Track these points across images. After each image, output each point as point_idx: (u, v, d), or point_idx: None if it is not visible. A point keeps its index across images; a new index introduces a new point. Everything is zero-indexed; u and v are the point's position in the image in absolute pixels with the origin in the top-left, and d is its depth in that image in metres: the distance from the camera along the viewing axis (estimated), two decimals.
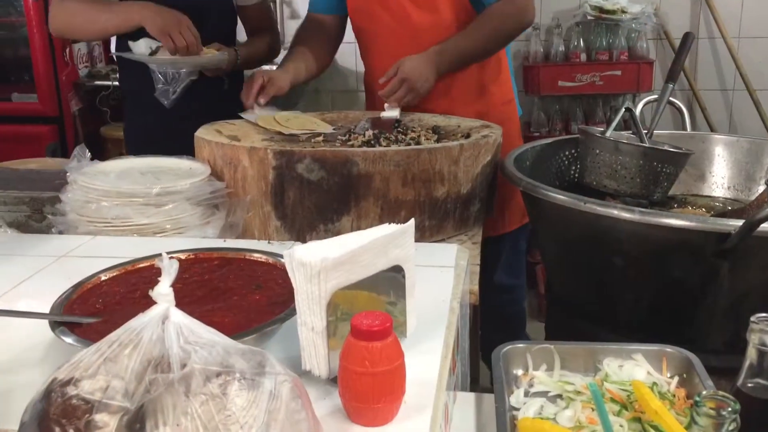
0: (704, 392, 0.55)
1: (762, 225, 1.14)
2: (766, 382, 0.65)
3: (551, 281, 1.67)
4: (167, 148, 1.52)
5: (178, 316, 0.69)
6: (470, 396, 1.00)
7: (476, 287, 1.31)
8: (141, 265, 0.97)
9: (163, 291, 0.69)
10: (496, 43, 1.85)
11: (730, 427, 0.52)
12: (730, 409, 0.53)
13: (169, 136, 1.57)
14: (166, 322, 0.68)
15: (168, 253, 1.01)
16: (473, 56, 1.83)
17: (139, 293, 0.89)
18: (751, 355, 0.66)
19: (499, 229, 1.92)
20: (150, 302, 0.69)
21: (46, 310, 0.89)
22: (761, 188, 1.65)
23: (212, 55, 1.86)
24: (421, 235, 1.46)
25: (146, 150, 1.56)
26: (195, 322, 0.69)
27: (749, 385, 0.66)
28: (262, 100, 1.77)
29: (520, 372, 1.01)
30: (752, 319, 0.66)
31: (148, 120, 2.01)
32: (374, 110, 1.94)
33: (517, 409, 0.92)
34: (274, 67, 2.00)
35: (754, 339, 0.65)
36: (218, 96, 1.96)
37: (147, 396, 0.63)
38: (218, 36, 1.95)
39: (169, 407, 0.63)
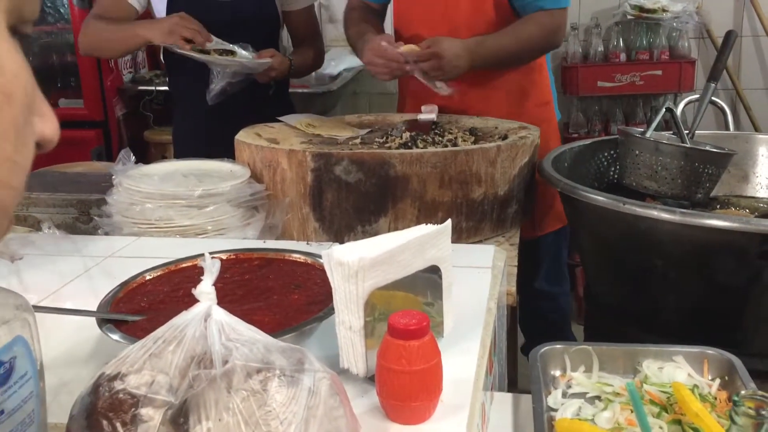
0: (743, 392, 0.54)
1: None
2: None
3: (590, 283, 1.65)
4: (213, 151, 1.56)
5: (220, 314, 0.70)
6: (507, 396, 1.00)
7: (513, 288, 1.31)
8: (184, 265, 0.99)
9: (206, 289, 0.71)
10: (530, 52, 1.83)
11: None
12: None
13: (215, 138, 1.60)
14: (208, 320, 0.70)
15: (210, 253, 1.04)
16: (507, 59, 1.82)
17: (182, 292, 0.91)
18: None
19: (536, 231, 1.91)
20: (193, 301, 0.71)
21: (94, 309, 0.91)
22: None
23: (262, 59, 1.88)
24: (459, 237, 1.46)
25: (193, 152, 1.59)
26: (236, 319, 0.71)
27: None
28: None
29: (558, 373, 1.01)
30: None
31: (195, 123, 2.05)
32: (407, 110, 1.93)
33: (555, 410, 0.92)
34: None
35: None
36: (264, 100, 1.99)
37: (190, 391, 0.65)
38: (261, 43, 1.97)
39: (212, 402, 0.65)
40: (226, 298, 0.90)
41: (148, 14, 2.05)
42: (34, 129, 0.46)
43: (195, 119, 2.04)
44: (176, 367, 0.67)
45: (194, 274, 0.96)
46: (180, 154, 1.98)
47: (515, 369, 1.98)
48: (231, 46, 1.87)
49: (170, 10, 1.95)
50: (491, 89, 1.89)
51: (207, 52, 1.83)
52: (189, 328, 0.69)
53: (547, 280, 2.03)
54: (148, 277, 0.97)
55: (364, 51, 1.78)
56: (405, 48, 1.71)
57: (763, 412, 0.52)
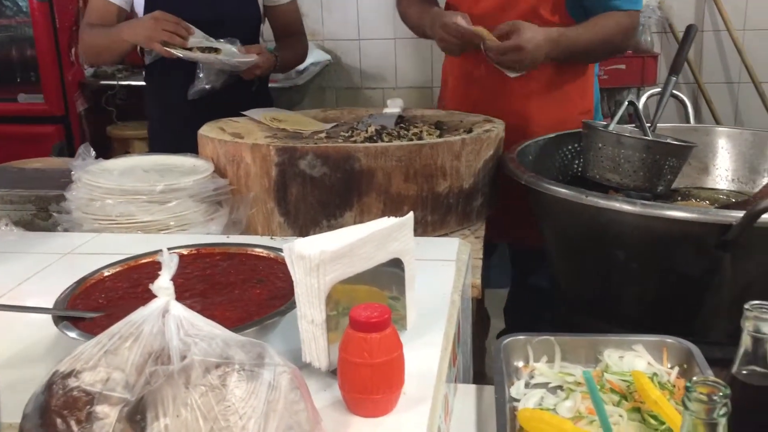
0: (695, 378, 0.55)
1: (763, 216, 1.13)
2: (760, 369, 0.65)
3: (556, 276, 1.67)
4: (192, 147, 1.54)
5: (178, 309, 0.69)
6: (471, 388, 1.01)
7: (478, 281, 1.31)
8: (143, 261, 0.98)
9: (164, 285, 0.70)
10: (604, 50, 1.80)
11: (721, 412, 0.53)
12: (721, 393, 0.53)
13: (194, 134, 1.58)
14: (166, 315, 0.69)
15: (170, 248, 1.02)
16: (583, 54, 1.77)
17: (142, 288, 0.90)
18: (746, 342, 0.66)
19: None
20: (152, 297, 0.70)
21: (51, 306, 0.90)
22: (765, 180, 1.65)
23: (248, 57, 1.85)
24: (424, 230, 1.47)
25: (170, 148, 1.57)
26: (195, 315, 0.70)
27: (744, 372, 0.66)
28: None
29: (521, 364, 1.02)
30: (746, 306, 0.66)
31: (172, 118, 2.02)
32: (449, 93, 1.91)
33: (518, 401, 0.93)
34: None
35: (748, 326, 0.66)
36: (246, 97, 1.96)
37: (147, 387, 0.64)
38: (243, 39, 1.93)
39: (169, 398, 0.64)
40: (187, 293, 0.89)
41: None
42: None
43: (173, 114, 2.01)
44: (133, 364, 0.66)
45: (154, 270, 0.94)
46: (156, 150, 1.94)
47: (482, 361, 1.99)
48: (216, 43, 1.84)
49: (148, 6, 1.92)
50: (536, 95, 1.83)
51: (191, 49, 1.80)
52: (146, 324, 0.68)
53: (546, 278, 2.04)
54: (106, 274, 0.95)
55: (435, 27, 1.73)
56: (480, 30, 1.66)
57: (715, 397, 0.52)
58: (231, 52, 1.85)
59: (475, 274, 1.32)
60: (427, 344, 0.90)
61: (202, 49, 1.81)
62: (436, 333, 0.93)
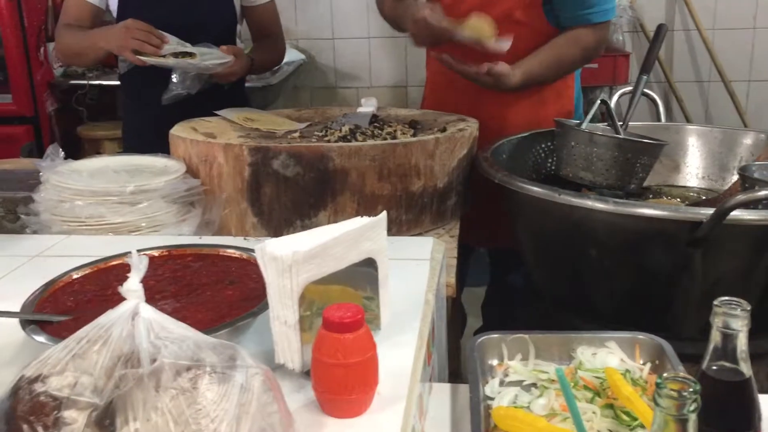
0: (665, 374, 0.55)
1: (732, 213, 1.15)
2: (729, 365, 0.66)
3: (530, 273, 1.68)
4: (165, 147, 1.52)
5: (148, 312, 0.68)
6: (446, 387, 1.01)
7: (452, 280, 1.32)
8: (113, 263, 0.97)
9: (133, 287, 0.69)
10: (568, 72, 1.84)
11: (691, 408, 0.53)
12: (691, 389, 0.53)
13: (166, 133, 1.55)
14: (135, 318, 0.68)
15: (141, 250, 1.01)
16: (551, 78, 1.82)
17: (111, 291, 0.89)
18: (715, 338, 0.67)
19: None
20: (121, 299, 0.69)
21: (18, 310, 0.88)
22: (734, 178, 1.67)
23: (222, 60, 1.83)
24: (399, 229, 1.47)
25: (145, 148, 1.55)
26: (165, 317, 0.69)
27: (714, 368, 0.67)
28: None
29: (495, 362, 1.02)
30: (715, 302, 0.66)
31: (145, 119, 1.99)
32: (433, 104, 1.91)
33: (492, 399, 0.93)
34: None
35: (717, 322, 0.66)
36: (220, 97, 1.92)
37: (116, 392, 0.63)
38: (219, 40, 1.91)
39: (139, 402, 0.63)
40: (158, 295, 0.88)
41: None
42: None
43: (147, 114, 1.98)
44: (102, 368, 0.65)
45: (124, 272, 0.93)
46: (130, 151, 1.91)
47: (459, 359, 1.99)
48: (191, 48, 1.82)
49: (121, 4, 1.89)
50: (511, 97, 1.84)
51: (164, 56, 1.77)
52: (115, 327, 0.67)
53: (523, 276, 2.05)
54: (75, 276, 0.94)
55: (406, 22, 1.74)
56: (448, 24, 1.67)
57: (685, 393, 0.53)
58: (206, 56, 1.82)
59: (449, 273, 1.32)
60: (401, 344, 0.90)
61: (176, 55, 1.79)
62: (410, 332, 0.93)
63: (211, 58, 1.82)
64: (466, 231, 1.60)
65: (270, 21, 2.09)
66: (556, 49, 1.74)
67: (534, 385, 0.96)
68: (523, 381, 0.97)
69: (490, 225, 1.76)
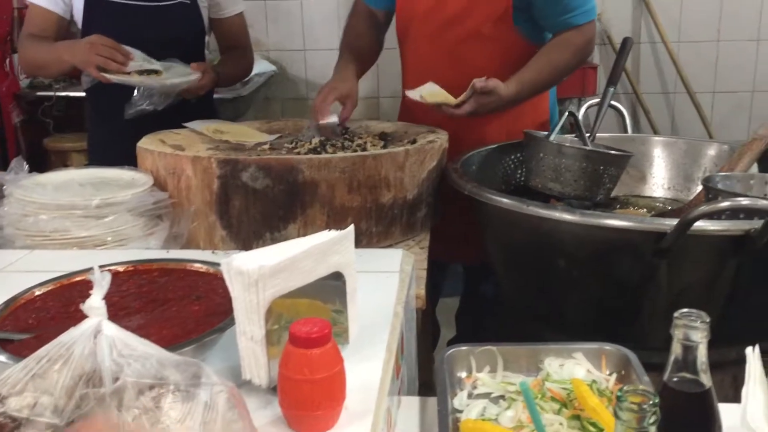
0: (625, 387, 0.56)
1: (696, 224, 1.17)
2: (690, 376, 0.67)
3: (500, 284, 1.69)
4: (132, 160, 1.50)
5: (111, 329, 0.68)
6: (415, 400, 1.01)
7: (422, 291, 1.32)
8: (77, 279, 0.95)
9: (95, 304, 0.68)
10: (566, 73, 1.82)
11: (651, 420, 0.54)
12: (651, 402, 0.54)
13: (132, 147, 1.54)
14: (98, 336, 0.67)
15: (106, 265, 1.00)
16: (547, 87, 1.81)
17: (74, 308, 0.87)
18: (676, 350, 0.68)
19: None
20: (85, 316, 0.68)
21: None
22: (699, 188, 1.70)
23: (189, 77, 1.81)
24: (369, 241, 1.46)
25: (110, 161, 1.53)
26: (129, 334, 0.68)
27: (675, 379, 0.68)
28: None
29: (464, 374, 1.02)
30: (675, 314, 0.67)
31: (112, 131, 1.96)
32: (409, 120, 1.91)
33: (461, 411, 0.93)
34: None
35: (678, 334, 0.67)
36: (188, 109, 1.89)
37: (77, 411, 0.62)
38: (187, 52, 1.90)
39: (101, 422, 0.62)
40: (122, 311, 0.86)
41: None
42: None
43: (113, 127, 1.95)
44: (63, 387, 0.64)
45: (88, 288, 0.91)
46: (97, 164, 1.88)
47: (431, 371, 1.99)
48: (156, 65, 1.79)
49: (86, 16, 1.86)
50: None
51: (129, 73, 1.74)
52: (77, 345, 0.66)
53: (495, 285, 2.06)
54: (37, 293, 0.92)
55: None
56: (429, 98, 1.70)
57: (645, 406, 0.54)
58: (171, 72, 1.81)
59: (419, 284, 1.32)
60: (369, 357, 0.90)
61: (141, 73, 1.77)
62: (378, 346, 0.92)
63: (177, 74, 1.81)
64: (440, 246, 1.60)
65: (238, 33, 2.09)
66: (546, 55, 1.76)
67: (502, 397, 0.96)
68: (491, 393, 0.97)
69: (462, 238, 1.77)
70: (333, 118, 1.79)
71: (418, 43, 1.88)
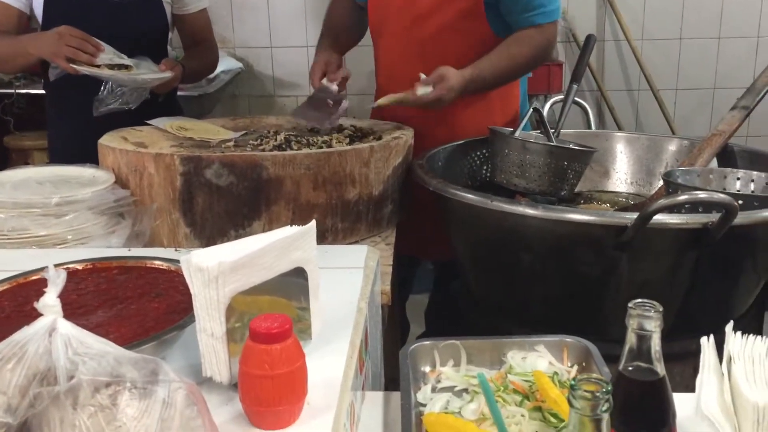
0: (579, 376, 0.57)
1: (655, 217, 1.19)
2: (644, 365, 0.68)
3: (466, 279, 1.70)
4: (92, 157, 1.48)
5: (66, 328, 0.67)
6: (379, 395, 1.01)
7: (388, 287, 1.32)
8: (33, 278, 0.94)
9: (49, 302, 0.67)
10: (521, 73, 1.84)
11: (604, 408, 0.55)
12: (604, 390, 0.55)
13: (94, 144, 1.51)
14: (53, 334, 0.66)
15: (64, 263, 0.98)
16: (499, 84, 1.81)
17: (30, 307, 0.85)
18: (631, 339, 0.69)
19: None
20: (39, 316, 0.67)
21: None
22: (660, 183, 1.72)
23: (162, 73, 1.79)
24: (335, 238, 1.46)
25: (71, 159, 1.50)
26: (85, 332, 0.67)
27: (629, 368, 0.69)
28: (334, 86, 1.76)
29: (428, 369, 1.02)
30: (630, 305, 0.69)
31: (74, 129, 1.93)
32: (380, 118, 1.91)
33: (424, 405, 0.93)
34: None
35: (632, 324, 0.68)
36: (152, 107, 1.87)
37: (31, 410, 0.61)
38: (150, 48, 1.88)
39: (56, 421, 0.61)
40: (80, 310, 0.85)
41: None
42: None
43: (75, 125, 1.92)
44: (16, 386, 0.63)
45: (45, 287, 0.90)
46: (57, 162, 1.85)
47: (396, 366, 2.00)
48: (127, 60, 1.77)
49: (47, 11, 1.83)
50: (459, 106, 1.83)
51: (99, 66, 1.71)
52: (31, 344, 0.65)
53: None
54: None
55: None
56: (384, 100, 1.71)
57: (598, 394, 0.54)
58: (143, 69, 1.78)
59: (384, 280, 1.32)
60: (332, 353, 0.90)
61: (111, 67, 1.74)
62: (341, 341, 0.92)
63: (147, 71, 1.78)
64: (411, 243, 1.60)
65: (202, 29, 2.07)
66: (505, 48, 1.77)
67: (465, 390, 0.96)
68: (454, 387, 0.98)
69: (432, 235, 1.78)
70: (332, 86, 1.79)
71: (391, 39, 1.88)
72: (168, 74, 1.79)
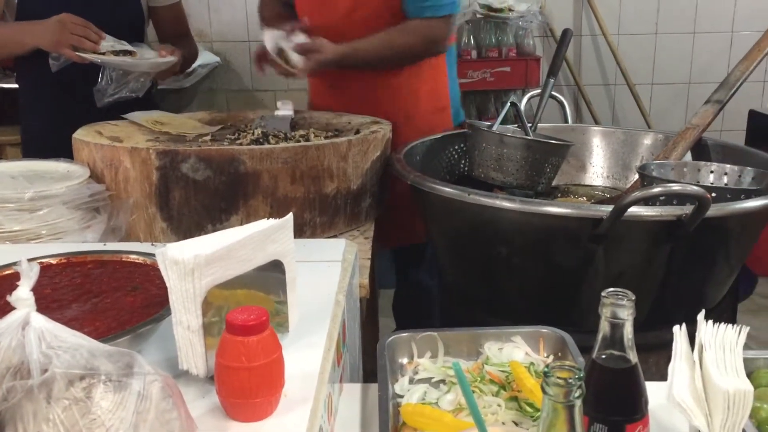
0: (551, 363, 0.58)
1: (630, 209, 1.20)
2: (617, 353, 0.69)
3: (442, 272, 1.71)
4: (67, 152, 1.46)
5: (40, 321, 0.66)
6: (357, 387, 1.01)
7: (366, 281, 1.32)
8: (6, 273, 0.93)
9: (23, 295, 0.67)
10: (403, 61, 1.84)
11: (576, 394, 0.55)
12: (576, 377, 0.56)
13: (68, 139, 1.49)
14: (26, 328, 0.65)
15: (38, 258, 0.97)
16: (377, 66, 1.82)
17: (3, 301, 0.85)
18: (604, 328, 0.70)
19: (419, 238, 1.92)
20: (11, 310, 0.67)
21: None
22: (636, 176, 1.74)
23: (166, 58, 1.77)
24: (313, 232, 1.46)
25: (45, 153, 1.48)
26: (58, 326, 0.67)
27: (603, 356, 0.70)
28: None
29: (405, 360, 1.03)
30: (603, 294, 0.69)
31: (47, 123, 1.90)
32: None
33: (402, 396, 0.94)
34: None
35: (605, 312, 0.69)
36: (130, 102, 1.83)
37: (4, 404, 0.61)
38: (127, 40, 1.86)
39: (29, 414, 0.61)
40: (54, 304, 0.84)
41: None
42: None
43: (48, 117, 1.89)
44: None
45: (18, 281, 0.90)
46: (31, 156, 1.81)
47: (375, 359, 2.00)
48: (129, 47, 1.75)
49: (21, 2, 1.80)
50: (382, 93, 1.86)
51: (104, 53, 1.68)
52: (3, 337, 0.65)
53: (427, 273, 2.06)
54: None
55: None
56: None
57: (571, 381, 0.55)
58: (146, 54, 1.76)
59: (362, 274, 1.33)
60: (309, 345, 0.90)
61: (116, 53, 1.72)
62: (319, 334, 0.93)
63: (150, 56, 1.77)
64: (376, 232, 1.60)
65: (178, 21, 2.05)
66: (386, 34, 1.78)
67: (443, 381, 0.97)
68: (432, 378, 0.98)
69: (391, 220, 1.79)
70: (288, 111, 1.79)
71: (315, 33, 1.87)
72: (173, 58, 1.78)
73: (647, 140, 1.89)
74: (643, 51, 3.50)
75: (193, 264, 0.77)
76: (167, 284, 0.78)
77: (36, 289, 0.68)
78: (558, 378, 0.55)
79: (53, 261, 0.96)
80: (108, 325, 0.80)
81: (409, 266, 2.10)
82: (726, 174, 1.56)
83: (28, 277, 0.67)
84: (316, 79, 1.98)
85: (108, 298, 0.87)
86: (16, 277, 0.92)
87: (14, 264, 0.94)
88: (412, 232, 1.85)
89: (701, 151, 1.75)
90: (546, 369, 0.56)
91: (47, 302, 0.84)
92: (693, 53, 3.53)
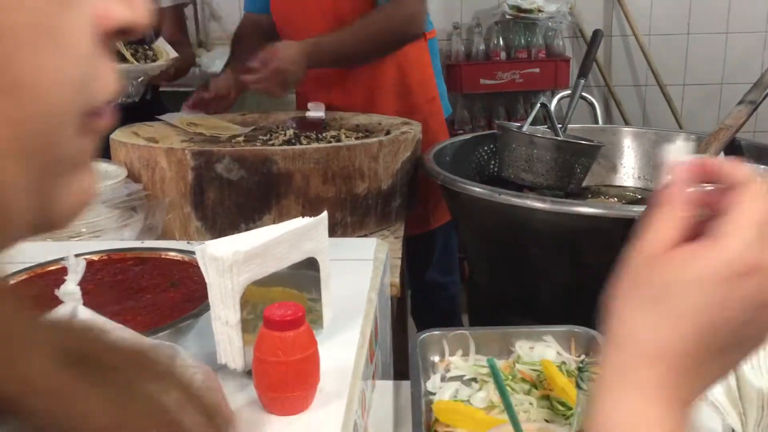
0: (587, 359, 0.58)
1: None
2: None
3: (472, 272, 1.71)
4: (104, 152, 1.49)
5: (86, 314, 0.68)
6: (389, 384, 1.02)
7: (397, 280, 1.33)
8: (50, 268, 0.96)
9: (70, 290, 0.69)
10: (379, 47, 1.80)
11: None
12: None
13: (106, 140, 1.52)
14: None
15: (80, 254, 1.00)
16: (352, 57, 1.78)
17: (49, 297, 0.87)
18: None
19: (425, 226, 1.94)
20: (59, 304, 0.69)
21: None
22: None
23: (157, 63, 1.76)
24: (344, 231, 1.48)
25: None
26: (104, 319, 0.69)
27: None
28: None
29: (437, 358, 1.04)
30: None
31: None
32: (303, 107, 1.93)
33: (434, 394, 0.95)
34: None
35: None
36: (137, 104, 1.85)
37: None
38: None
39: None
40: (97, 299, 0.87)
41: None
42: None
43: None
44: None
45: (61, 277, 0.92)
46: None
47: (406, 358, 2.01)
48: (122, 49, 1.74)
49: None
50: (376, 89, 1.89)
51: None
52: None
53: (439, 271, 2.07)
54: (10, 283, 0.92)
55: None
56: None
57: None
58: (165, 47, 1.78)
59: (393, 273, 1.34)
60: (343, 342, 0.91)
61: (129, 46, 1.73)
62: (352, 331, 0.94)
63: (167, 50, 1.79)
64: None
65: (175, 26, 2.07)
66: (357, 24, 1.74)
67: (474, 379, 0.98)
68: (463, 376, 0.99)
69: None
70: (320, 113, 1.80)
71: (294, 36, 1.86)
72: (163, 62, 1.79)
73: (679, 141, 1.88)
74: (675, 51, 3.47)
75: (231, 260, 0.79)
76: (206, 280, 0.80)
77: (80, 285, 0.70)
78: (593, 373, 0.55)
79: (95, 257, 0.99)
80: (150, 320, 0.83)
81: (420, 262, 2.07)
82: (759, 175, 1.54)
83: (75, 272, 0.70)
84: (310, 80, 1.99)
85: (148, 294, 0.89)
86: (59, 273, 0.95)
87: (61, 259, 0.97)
88: (420, 219, 1.85)
89: (735, 152, 1.74)
90: (581, 365, 0.57)
91: (90, 298, 0.86)
92: (726, 53, 3.48)
